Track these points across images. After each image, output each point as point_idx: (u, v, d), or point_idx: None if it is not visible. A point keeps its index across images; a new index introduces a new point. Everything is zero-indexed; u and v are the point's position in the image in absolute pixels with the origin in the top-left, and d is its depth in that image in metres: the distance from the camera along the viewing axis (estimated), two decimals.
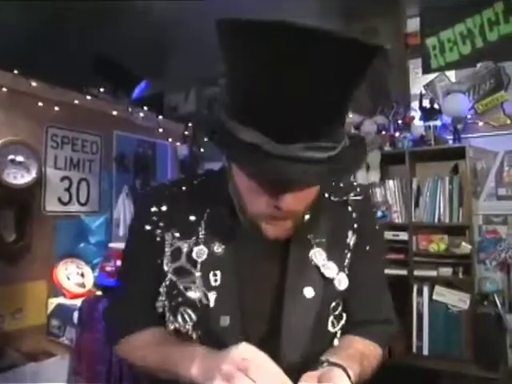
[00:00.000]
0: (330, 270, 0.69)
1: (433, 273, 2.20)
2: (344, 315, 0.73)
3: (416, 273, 2.22)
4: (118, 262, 2.00)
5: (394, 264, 2.27)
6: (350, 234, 0.74)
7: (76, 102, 2.43)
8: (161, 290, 0.70)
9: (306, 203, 0.63)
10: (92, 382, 1.77)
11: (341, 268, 0.70)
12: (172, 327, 0.70)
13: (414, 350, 2.16)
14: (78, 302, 2.05)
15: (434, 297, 2.17)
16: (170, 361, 0.63)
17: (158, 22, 2.47)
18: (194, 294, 0.66)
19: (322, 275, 0.68)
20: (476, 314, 2.07)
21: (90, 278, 2.29)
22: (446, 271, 2.19)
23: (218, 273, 0.66)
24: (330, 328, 0.70)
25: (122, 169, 2.79)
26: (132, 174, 2.87)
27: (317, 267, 0.68)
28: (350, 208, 0.75)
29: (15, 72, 2.14)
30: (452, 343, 2.11)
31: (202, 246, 0.68)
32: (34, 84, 2.21)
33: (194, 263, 0.67)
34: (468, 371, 1.98)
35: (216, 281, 0.66)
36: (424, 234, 2.32)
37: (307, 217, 0.70)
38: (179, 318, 0.68)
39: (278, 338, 0.65)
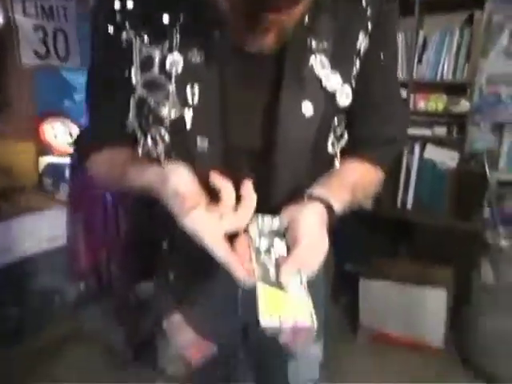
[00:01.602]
0: (333, 81, 0.58)
1: (427, 132, 2.19)
2: (345, 135, 0.66)
3: (409, 131, 2.20)
4: None
5: None
6: (361, 36, 0.59)
7: None
8: (130, 106, 0.61)
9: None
10: (89, 229, 1.87)
11: (346, 79, 0.59)
12: (141, 151, 0.62)
13: (399, 204, 2.27)
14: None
15: (425, 155, 2.19)
16: (131, 171, 0.59)
17: None
18: (167, 112, 0.57)
19: (324, 88, 0.58)
20: (462, 171, 2.12)
21: None
22: (441, 130, 2.18)
23: (197, 86, 0.55)
24: (329, 149, 0.64)
25: None
26: None
27: (318, 79, 0.57)
28: (363, 2, 0.58)
29: None
30: (435, 198, 2.18)
31: (176, 53, 0.55)
32: None
33: (167, 75, 0.56)
34: (447, 223, 2.11)
35: (194, 95, 0.56)
36: (423, 92, 2.24)
37: (306, 20, 0.54)
38: (149, 140, 0.61)
39: (271, 158, 0.58)
